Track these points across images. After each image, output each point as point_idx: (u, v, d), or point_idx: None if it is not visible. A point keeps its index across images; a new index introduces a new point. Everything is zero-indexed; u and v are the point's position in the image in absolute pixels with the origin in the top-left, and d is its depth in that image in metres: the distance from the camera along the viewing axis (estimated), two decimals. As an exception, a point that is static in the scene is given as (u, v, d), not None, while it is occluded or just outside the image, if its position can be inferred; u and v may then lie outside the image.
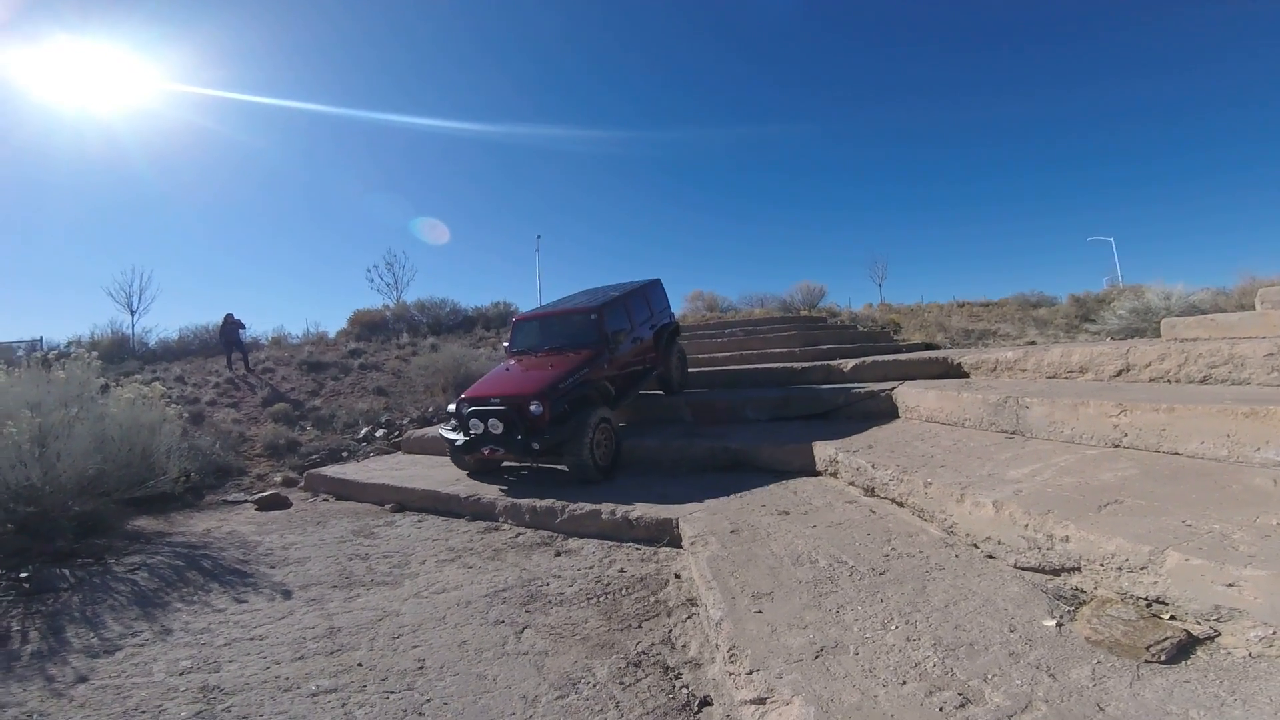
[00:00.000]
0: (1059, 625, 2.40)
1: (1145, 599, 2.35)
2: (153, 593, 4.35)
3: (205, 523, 6.42)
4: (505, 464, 7.23)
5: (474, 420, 6.47)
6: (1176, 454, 3.57)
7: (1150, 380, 4.89)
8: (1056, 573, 2.76)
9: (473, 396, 6.66)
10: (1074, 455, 3.89)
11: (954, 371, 7.19)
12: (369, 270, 32.79)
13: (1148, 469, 3.39)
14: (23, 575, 4.53)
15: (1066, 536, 2.70)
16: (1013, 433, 4.73)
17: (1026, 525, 2.92)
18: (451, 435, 6.76)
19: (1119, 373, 5.15)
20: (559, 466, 6.55)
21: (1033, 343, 14.05)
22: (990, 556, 3.13)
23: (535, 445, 6.02)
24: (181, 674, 3.12)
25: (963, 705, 1.96)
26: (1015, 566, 2.95)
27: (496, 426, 6.30)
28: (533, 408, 6.13)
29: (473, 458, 6.81)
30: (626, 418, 8.23)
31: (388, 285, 30.05)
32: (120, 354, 16.83)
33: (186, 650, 3.40)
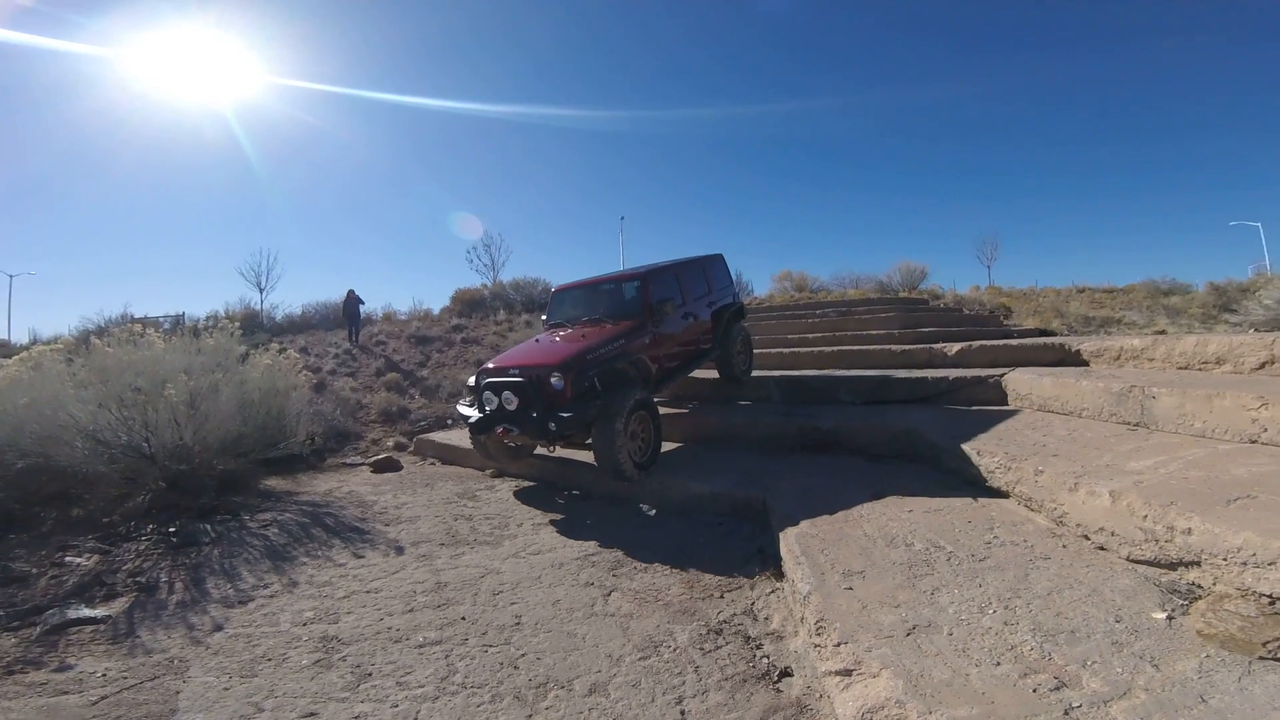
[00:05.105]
0: (1169, 618, 2.26)
1: (1269, 596, 2.17)
2: (282, 547, 4.70)
3: (327, 483, 6.96)
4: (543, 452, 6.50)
5: (488, 394, 5.71)
6: (1325, 451, 3.22)
7: (1299, 375, 4.42)
8: (1173, 566, 2.58)
9: (492, 368, 5.86)
10: (1204, 449, 3.59)
11: (1072, 359, 6.72)
12: (469, 251, 34.87)
13: (1289, 465, 3.09)
14: (171, 530, 4.91)
15: (1189, 529, 2.52)
16: (1136, 424, 4.40)
17: (1145, 516, 2.74)
18: (467, 411, 6.06)
19: (1262, 365, 4.68)
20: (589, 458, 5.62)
21: (1162, 332, 12.78)
22: (1101, 548, 2.96)
23: (552, 425, 5.15)
24: (305, 624, 3.37)
25: (1058, 688, 1.90)
26: (1128, 559, 2.78)
27: (511, 401, 5.47)
28: (553, 380, 5.26)
29: (489, 439, 6.10)
30: (711, 394, 8.22)
31: (485, 266, 31.85)
32: (251, 327, 18.41)
33: (310, 602, 3.67)
